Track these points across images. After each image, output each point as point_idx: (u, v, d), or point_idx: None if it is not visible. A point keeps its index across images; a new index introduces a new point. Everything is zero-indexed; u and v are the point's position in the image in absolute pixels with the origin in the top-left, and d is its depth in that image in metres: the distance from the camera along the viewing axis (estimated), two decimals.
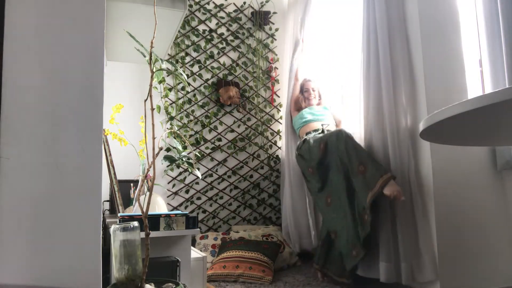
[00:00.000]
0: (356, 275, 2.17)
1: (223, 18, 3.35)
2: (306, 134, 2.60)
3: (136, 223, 1.12)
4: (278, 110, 3.45)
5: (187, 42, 3.20)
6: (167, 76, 3.12)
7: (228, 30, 3.36)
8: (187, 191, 3.09)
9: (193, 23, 3.24)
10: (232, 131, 3.28)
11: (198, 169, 3.15)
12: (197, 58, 3.22)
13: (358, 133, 2.28)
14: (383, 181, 1.93)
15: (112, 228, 1.10)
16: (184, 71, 3.14)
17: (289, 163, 2.96)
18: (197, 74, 3.21)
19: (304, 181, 2.88)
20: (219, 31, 3.33)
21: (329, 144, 2.24)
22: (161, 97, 3.05)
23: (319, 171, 2.34)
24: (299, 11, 2.99)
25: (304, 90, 2.88)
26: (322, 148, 2.27)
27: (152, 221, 1.56)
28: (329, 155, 2.25)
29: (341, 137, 2.16)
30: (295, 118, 2.85)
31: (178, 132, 3.07)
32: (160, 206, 1.91)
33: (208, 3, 3.30)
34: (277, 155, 3.40)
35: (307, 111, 2.76)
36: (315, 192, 2.42)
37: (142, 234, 1.14)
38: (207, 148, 3.18)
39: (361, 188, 2.02)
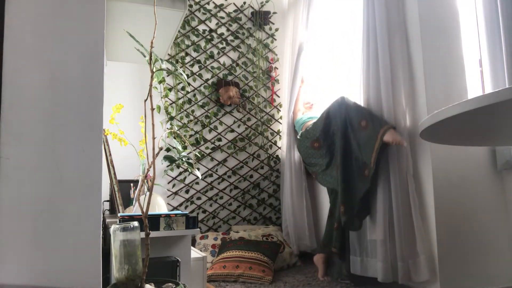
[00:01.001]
0: (354, 275, 2.17)
1: (223, 18, 3.35)
2: None
3: (136, 223, 1.12)
4: (278, 110, 3.45)
5: (187, 42, 3.20)
6: (167, 76, 3.12)
7: (228, 30, 3.36)
8: (187, 191, 3.09)
9: (193, 23, 3.24)
10: (232, 131, 3.28)
11: (198, 169, 3.15)
12: (197, 58, 3.22)
13: None
14: (383, 131, 1.96)
15: (112, 228, 1.10)
16: (184, 71, 3.14)
17: (291, 164, 2.94)
18: (197, 74, 3.21)
19: (304, 181, 2.89)
20: (219, 31, 3.33)
21: (331, 111, 2.30)
22: (161, 97, 3.05)
23: (326, 141, 2.35)
24: (302, 13, 2.98)
25: (305, 102, 2.99)
26: (325, 117, 2.34)
27: (152, 221, 1.56)
28: (333, 122, 2.30)
29: (342, 102, 2.23)
30: (298, 118, 2.87)
31: (178, 132, 3.07)
32: (160, 206, 1.91)
33: (208, 3, 3.30)
34: (277, 155, 3.40)
35: (311, 112, 2.86)
36: (321, 171, 2.41)
37: (142, 234, 1.14)
38: (207, 148, 3.18)
39: (365, 143, 2.06)
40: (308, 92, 3.05)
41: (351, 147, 2.15)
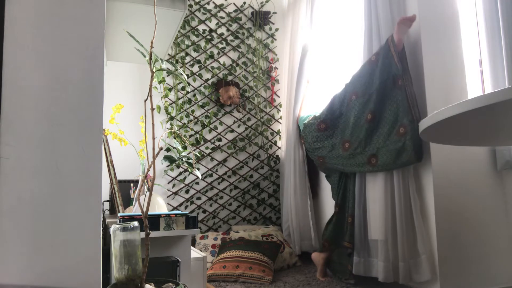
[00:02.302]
0: (355, 275, 2.16)
1: (223, 18, 3.35)
2: None
3: (136, 223, 1.12)
4: (278, 110, 3.45)
5: (187, 42, 3.20)
6: (167, 76, 3.12)
7: (228, 30, 3.36)
8: (187, 191, 3.09)
9: (193, 23, 3.24)
10: (232, 131, 3.28)
11: (198, 169, 3.15)
12: (197, 58, 3.22)
13: None
14: (390, 37, 1.99)
15: (112, 228, 1.10)
16: (184, 71, 3.14)
17: (294, 163, 2.93)
18: (197, 74, 3.21)
19: (307, 182, 2.88)
20: (219, 31, 3.33)
21: (336, 97, 2.37)
22: (161, 97, 3.05)
23: (332, 122, 2.38)
24: (306, 12, 2.98)
25: None
26: (330, 100, 2.41)
27: (152, 221, 1.56)
28: (339, 105, 2.34)
29: (344, 86, 2.31)
30: (301, 116, 2.88)
31: (178, 132, 3.07)
32: (160, 206, 1.91)
33: (208, 3, 3.30)
34: (277, 155, 3.40)
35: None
36: (328, 152, 2.40)
37: (142, 234, 1.14)
38: (207, 148, 3.18)
39: (384, 60, 2.03)
40: (310, 92, 3.05)
41: (375, 94, 2.09)
